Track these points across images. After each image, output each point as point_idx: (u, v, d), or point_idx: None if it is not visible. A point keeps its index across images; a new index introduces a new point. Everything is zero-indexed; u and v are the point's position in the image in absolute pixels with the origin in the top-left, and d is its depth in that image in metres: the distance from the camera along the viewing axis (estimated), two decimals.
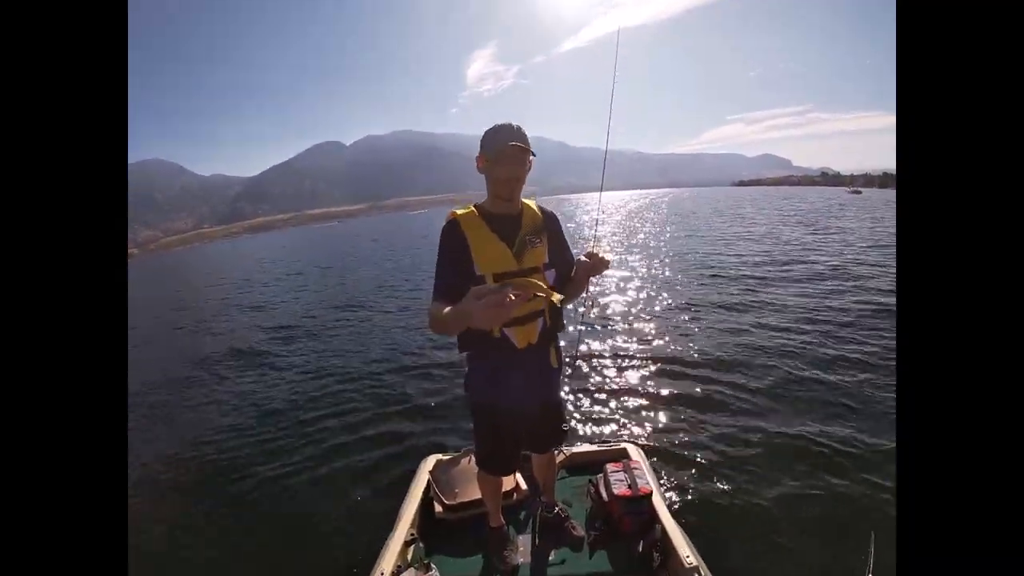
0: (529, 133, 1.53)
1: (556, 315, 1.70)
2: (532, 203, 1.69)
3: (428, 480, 2.44)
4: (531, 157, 1.53)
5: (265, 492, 3.38)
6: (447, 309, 1.30)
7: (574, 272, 1.68)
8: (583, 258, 1.62)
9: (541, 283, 1.31)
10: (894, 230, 17.32)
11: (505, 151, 1.47)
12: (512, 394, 1.67)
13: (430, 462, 2.60)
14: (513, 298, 1.08)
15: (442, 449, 2.82)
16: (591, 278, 1.67)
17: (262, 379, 5.92)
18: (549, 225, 1.69)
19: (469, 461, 2.52)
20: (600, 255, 1.59)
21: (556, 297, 1.30)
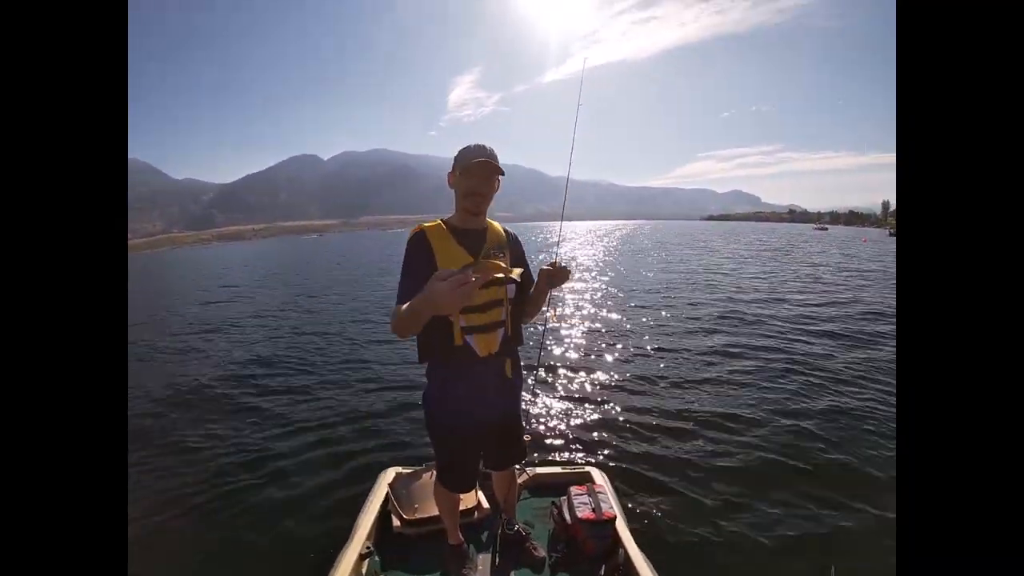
0: (505, 160, 1.62)
1: (516, 327, 1.75)
2: (497, 224, 1.77)
3: (387, 493, 2.38)
4: (500, 176, 1.62)
5: (215, 501, 3.22)
6: (409, 303, 1.29)
7: (535, 284, 1.76)
8: (545, 267, 1.69)
9: (501, 263, 1.36)
10: (862, 263, 18.43)
11: (472, 166, 1.55)
12: (471, 405, 1.67)
13: (390, 474, 2.54)
14: (475, 279, 1.10)
15: (403, 462, 2.73)
16: (552, 289, 1.75)
17: (216, 389, 5.64)
18: (512, 244, 1.77)
19: (431, 476, 2.47)
20: (561, 265, 1.67)
21: (516, 272, 1.38)
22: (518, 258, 1.76)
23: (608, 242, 35.79)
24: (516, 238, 1.81)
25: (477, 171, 1.56)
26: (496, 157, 1.57)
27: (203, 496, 3.27)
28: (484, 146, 1.57)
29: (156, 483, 3.45)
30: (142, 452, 3.91)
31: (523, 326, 1.83)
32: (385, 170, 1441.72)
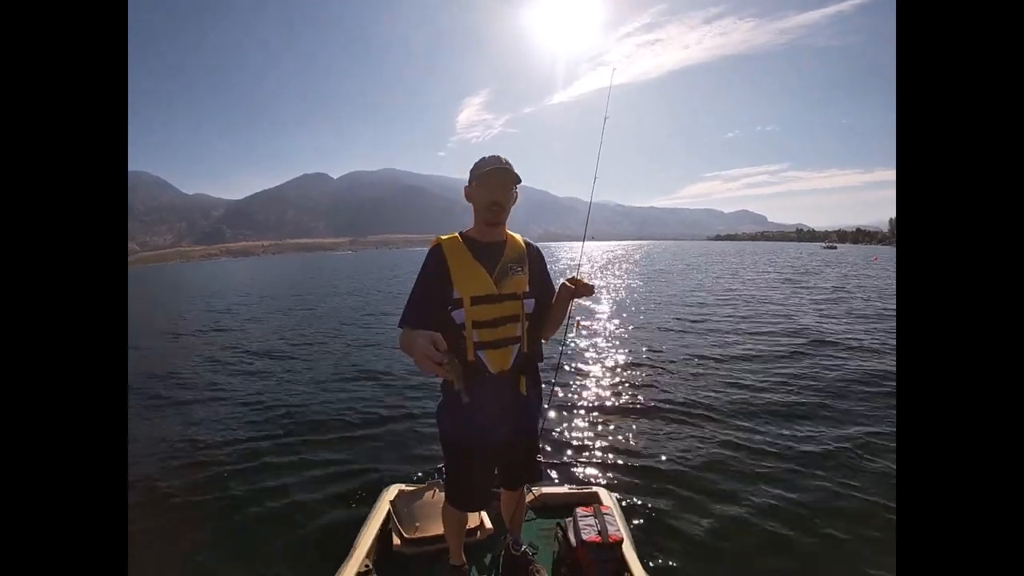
0: None
1: (535, 343, 1.69)
2: (518, 236, 1.72)
3: (388, 510, 2.34)
4: (516, 185, 1.59)
5: (211, 514, 3.17)
6: (407, 333, 1.44)
7: (556, 297, 1.73)
8: (566, 283, 1.66)
9: (457, 374, 1.37)
10: (877, 281, 18.10)
11: (488, 174, 1.54)
12: (482, 421, 1.62)
13: (392, 491, 2.50)
14: (440, 364, 1.26)
15: (407, 479, 2.68)
16: (573, 302, 1.72)
17: (219, 400, 5.63)
18: (532, 257, 1.71)
19: (433, 494, 2.42)
20: (583, 280, 1.64)
21: (457, 386, 1.39)
22: (539, 273, 1.71)
23: (626, 264, 35.40)
24: (538, 252, 1.76)
25: (494, 179, 1.55)
26: (511, 166, 1.56)
27: (198, 509, 3.22)
28: (499, 156, 1.56)
29: (152, 495, 3.39)
30: (140, 463, 3.88)
31: (543, 342, 1.79)
32: (394, 189, 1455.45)
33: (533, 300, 1.64)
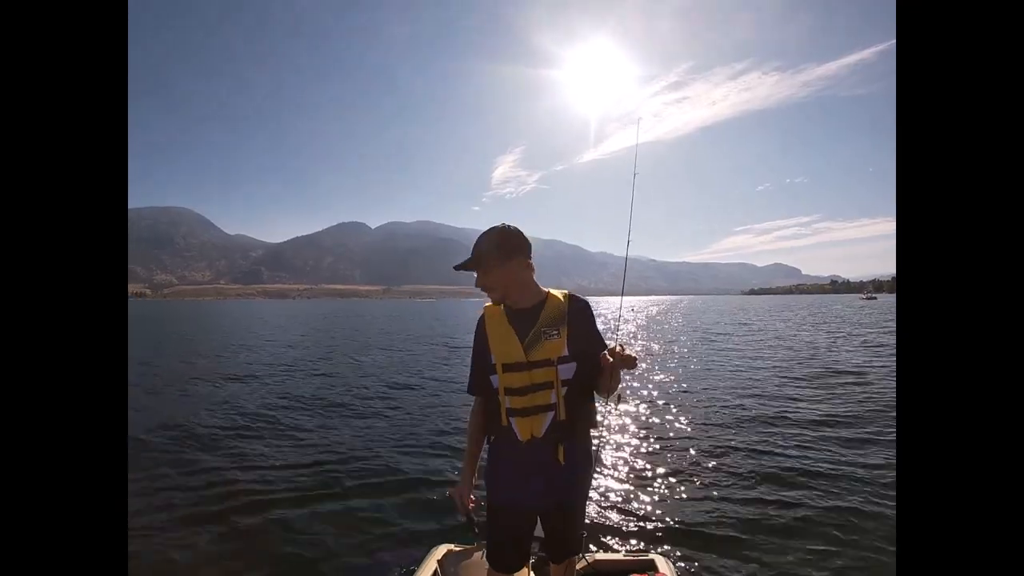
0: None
1: (574, 410, 1.56)
2: (559, 294, 1.65)
3: (435, 570, 2.27)
4: (480, 268, 1.59)
5: (247, 551, 3.04)
6: (467, 452, 1.69)
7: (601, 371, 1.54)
8: (606, 355, 1.45)
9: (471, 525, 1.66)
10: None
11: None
12: (513, 488, 1.58)
13: (440, 551, 2.41)
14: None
15: (456, 539, 2.59)
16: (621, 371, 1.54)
17: (265, 442, 5.40)
18: (574, 315, 1.61)
19: (483, 555, 2.30)
20: (623, 352, 1.42)
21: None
22: (582, 333, 1.58)
23: (671, 317, 33.83)
24: (582, 309, 1.63)
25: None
26: (474, 255, 1.59)
27: (232, 544, 3.13)
28: (477, 242, 1.61)
29: (184, 542, 3.21)
30: (168, 508, 3.68)
31: (596, 403, 1.66)
32: (428, 241, 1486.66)
33: (574, 364, 1.53)
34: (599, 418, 1.67)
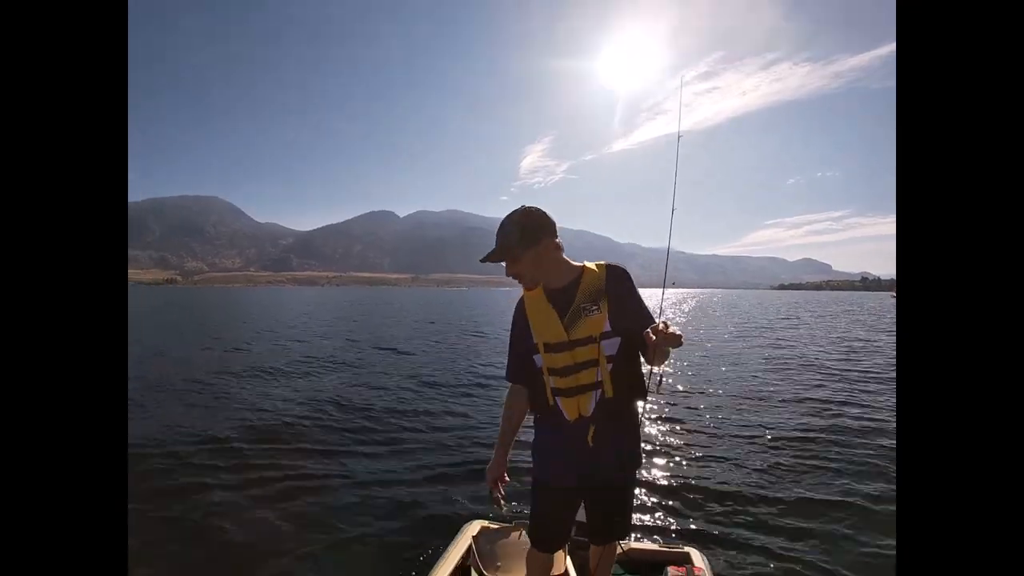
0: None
1: (622, 387, 1.52)
2: (595, 266, 1.60)
3: (470, 545, 2.26)
4: (507, 259, 1.54)
5: (279, 531, 3.04)
6: (507, 413, 1.67)
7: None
8: (649, 332, 1.35)
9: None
10: None
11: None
12: (560, 466, 1.57)
13: (474, 527, 2.42)
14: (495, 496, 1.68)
15: (491, 516, 2.61)
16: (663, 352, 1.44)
17: (305, 414, 5.58)
18: (613, 287, 1.54)
19: (520, 535, 2.34)
20: (668, 329, 1.31)
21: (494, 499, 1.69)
22: (622, 303, 1.52)
23: (720, 311, 33.30)
24: (619, 277, 1.56)
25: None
26: (499, 245, 1.55)
27: (264, 526, 3.12)
28: (500, 230, 1.56)
29: (216, 519, 3.22)
30: (195, 488, 3.67)
31: (654, 372, 1.54)
32: (457, 230, 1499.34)
33: (618, 339, 1.49)
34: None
